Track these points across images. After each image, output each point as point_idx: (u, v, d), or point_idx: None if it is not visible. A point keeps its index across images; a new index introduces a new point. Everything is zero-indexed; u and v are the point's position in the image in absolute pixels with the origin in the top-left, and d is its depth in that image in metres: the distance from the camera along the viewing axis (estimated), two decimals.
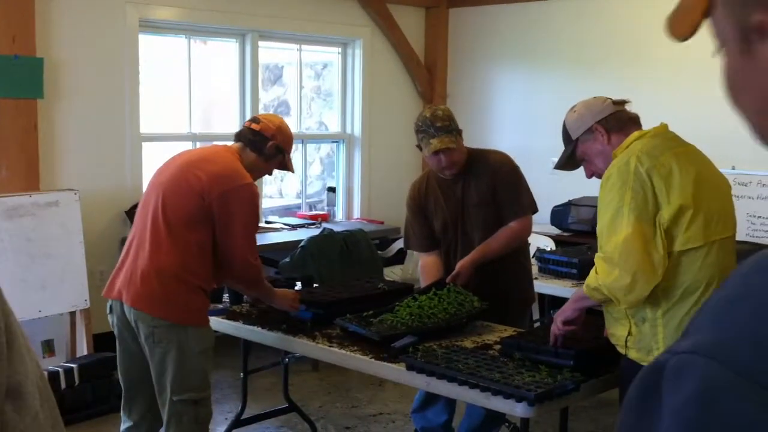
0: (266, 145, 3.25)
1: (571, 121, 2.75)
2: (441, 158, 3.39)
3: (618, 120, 2.66)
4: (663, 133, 2.59)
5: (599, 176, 2.64)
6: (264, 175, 3.45)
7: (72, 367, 4.36)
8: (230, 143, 3.36)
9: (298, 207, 6.47)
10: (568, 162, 2.80)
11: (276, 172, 3.47)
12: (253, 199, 3.18)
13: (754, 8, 0.61)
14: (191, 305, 3.11)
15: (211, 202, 3.08)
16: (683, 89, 5.43)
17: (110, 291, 3.16)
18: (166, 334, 3.07)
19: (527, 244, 3.68)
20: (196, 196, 3.09)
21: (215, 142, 3.39)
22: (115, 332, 3.21)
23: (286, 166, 3.39)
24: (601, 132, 2.64)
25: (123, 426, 3.29)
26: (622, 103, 2.74)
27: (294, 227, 5.82)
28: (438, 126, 3.35)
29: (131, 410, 3.26)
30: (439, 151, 3.35)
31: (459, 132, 3.42)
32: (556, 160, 6.12)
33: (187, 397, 3.11)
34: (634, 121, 2.67)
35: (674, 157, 2.45)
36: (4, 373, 0.76)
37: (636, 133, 2.58)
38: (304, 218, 6.11)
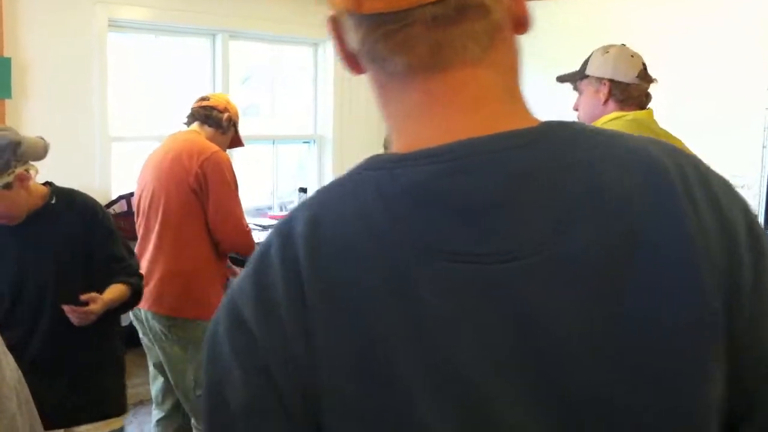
0: (222, 118, 3.36)
1: (596, 59, 2.60)
2: None
3: (626, 93, 2.54)
4: (641, 119, 2.49)
5: (578, 117, 2.59)
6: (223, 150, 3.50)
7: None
8: (185, 129, 3.46)
9: (269, 208, 6.44)
10: (565, 81, 2.71)
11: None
12: (228, 164, 3.30)
13: None
14: (206, 300, 3.22)
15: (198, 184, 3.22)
16: (656, 93, 5.48)
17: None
18: (182, 330, 3.16)
19: None
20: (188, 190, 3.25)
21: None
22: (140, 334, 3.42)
23: (239, 140, 3.54)
24: (604, 92, 2.54)
25: (155, 417, 3.39)
26: (649, 81, 2.59)
27: (265, 228, 5.80)
28: None
29: (163, 401, 3.34)
30: None
31: None
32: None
33: None
34: (636, 103, 2.54)
35: None
36: None
37: (614, 114, 2.48)
38: (276, 219, 6.09)
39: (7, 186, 2.42)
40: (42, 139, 2.60)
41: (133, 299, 2.76)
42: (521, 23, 0.77)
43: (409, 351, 0.65)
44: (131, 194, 5.24)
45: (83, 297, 2.51)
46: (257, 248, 0.75)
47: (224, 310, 0.73)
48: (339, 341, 0.66)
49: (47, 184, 2.74)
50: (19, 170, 2.44)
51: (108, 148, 5.18)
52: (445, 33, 0.71)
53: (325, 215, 0.72)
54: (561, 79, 2.75)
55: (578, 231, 0.67)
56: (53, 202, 2.63)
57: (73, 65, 4.97)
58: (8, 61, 4.59)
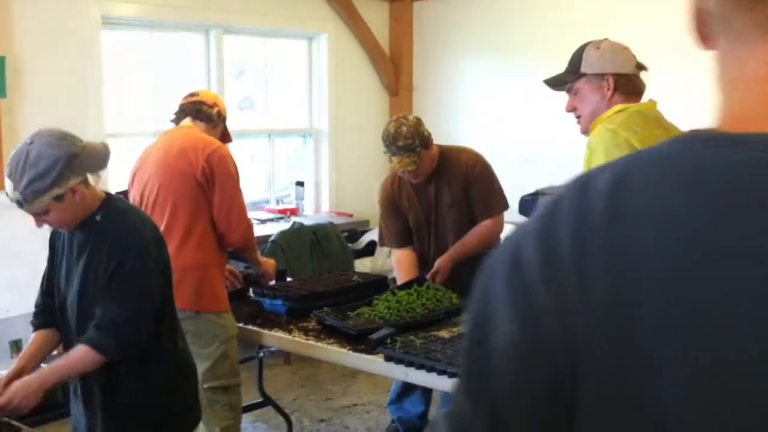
0: (213, 112, 3.39)
1: (591, 55, 2.55)
2: (405, 173, 3.44)
3: (631, 84, 2.51)
4: (646, 111, 2.47)
5: (577, 117, 2.57)
6: None
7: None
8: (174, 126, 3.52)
9: (266, 201, 6.45)
10: (558, 85, 2.66)
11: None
12: (231, 158, 3.35)
13: None
14: (212, 293, 3.22)
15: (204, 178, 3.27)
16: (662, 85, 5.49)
17: None
18: (193, 324, 3.18)
19: (499, 241, 3.72)
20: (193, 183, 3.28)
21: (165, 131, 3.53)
22: None
23: (227, 135, 3.56)
24: (609, 86, 2.50)
25: None
26: (641, 68, 2.56)
27: (263, 221, 5.81)
28: (400, 145, 3.37)
29: None
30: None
31: (425, 144, 3.41)
32: (521, 150, 6.13)
33: (218, 384, 3.22)
34: (638, 93, 2.52)
35: (650, 139, 2.34)
36: None
37: (618, 106, 2.46)
38: (273, 212, 6.10)
39: (59, 198, 2.34)
40: (105, 146, 2.47)
41: (106, 362, 2.40)
42: None
43: (681, 354, 0.62)
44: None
45: None
46: (548, 197, 0.71)
47: (506, 250, 0.72)
48: (608, 323, 0.63)
49: (106, 195, 2.53)
50: (73, 182, 2.34)
51: None
52: None
53: (630, 181, 0.67)
54: (552, 83, 2.69)
55: None
56: (97, 218, 2.44)
57: (68, 63, 4.96)
58: (2, 60, 4.58)
